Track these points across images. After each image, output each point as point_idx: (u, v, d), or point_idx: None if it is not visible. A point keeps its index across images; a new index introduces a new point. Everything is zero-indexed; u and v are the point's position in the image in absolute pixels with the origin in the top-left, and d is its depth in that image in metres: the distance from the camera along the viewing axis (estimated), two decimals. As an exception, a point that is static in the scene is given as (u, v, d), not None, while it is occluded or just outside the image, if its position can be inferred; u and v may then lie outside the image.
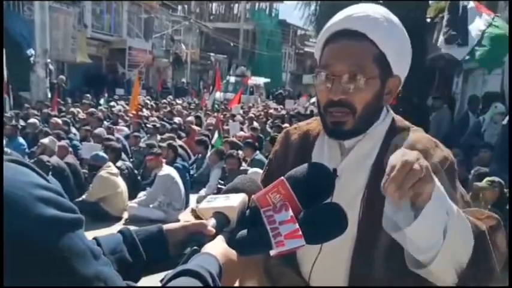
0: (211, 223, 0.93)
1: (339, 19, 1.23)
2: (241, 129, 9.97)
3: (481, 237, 1.06)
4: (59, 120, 8.68)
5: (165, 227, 0.98)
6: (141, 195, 6.27)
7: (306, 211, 0.92)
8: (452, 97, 11.55)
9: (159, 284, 0.80)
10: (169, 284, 0.78)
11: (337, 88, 1.18)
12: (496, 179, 4.70)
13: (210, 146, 7.81)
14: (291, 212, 0.91)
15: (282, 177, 0.95)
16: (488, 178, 4.75)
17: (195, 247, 0.89)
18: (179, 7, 33.74)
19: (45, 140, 6.33)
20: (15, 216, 0.63)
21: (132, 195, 6.32)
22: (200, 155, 7.82)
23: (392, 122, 1.29)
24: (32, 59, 13.31)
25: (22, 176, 0.67)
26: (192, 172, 7.34)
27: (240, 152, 6.86)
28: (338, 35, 1.22)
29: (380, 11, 1.22)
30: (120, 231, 0.97)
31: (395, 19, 1.24)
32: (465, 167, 5.91)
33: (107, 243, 0.93)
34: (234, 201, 0.94)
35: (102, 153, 6.55)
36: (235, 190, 0.99)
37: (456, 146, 6.38)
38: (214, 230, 0.92)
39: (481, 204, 4.68)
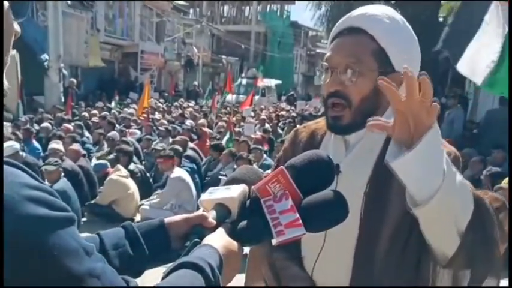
0: (211, 215, 0.94)
1: (343, 19, 1.30)
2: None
3: (479, 204, 1.07)
4: (70, 126, 8.78)
5: (167, 220, 0.99)
6: (154, 197, 6.32)
7: (306, 199, 0.93)
8: (466, 96, 11.45)
9: (163, 275, 0.82)
10: (169, 277, 0.79)
11: (334, 80, 1.23)
12: None
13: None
14: (290, 201, 0.91)
15: (282, 167, 0.95)
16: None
17: (196, 239, 0.90)
18: (191, 10, 33.94)
19: (54, 145, 6.43)
20: (4, 216, 0.63)
21: (144, 198, 6.37)
22: (214, 158, 7.82)
23: None
24: (45, 64, 13.47)
25: (11, 177, 0.67)
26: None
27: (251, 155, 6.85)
28: (341, 33, 1.28)
29: (383, 9, 1.27)
30: (122, 226, 0.98)
31: (399, 18, 1.27)
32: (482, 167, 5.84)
33: (109, 238, 0.94)
34: (234, 192, 0.95)
35: (102, 161, 6.71)
36: (236, 181, 1.00)
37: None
38: (214, 222, 0.92)
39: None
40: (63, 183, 5.42)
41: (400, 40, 1.23)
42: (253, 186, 0.96)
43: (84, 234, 0.92)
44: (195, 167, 6.94)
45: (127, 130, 9.40)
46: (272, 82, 26.59)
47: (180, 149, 6.55)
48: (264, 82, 24.28)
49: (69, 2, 14.96)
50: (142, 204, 6.14)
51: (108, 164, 6.70)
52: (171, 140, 8.39)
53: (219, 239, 0.88)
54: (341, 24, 1.28)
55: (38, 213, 0.66)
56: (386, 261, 1.22)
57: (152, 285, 0.78)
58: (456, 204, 1.02)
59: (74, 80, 15.44)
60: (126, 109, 13.47)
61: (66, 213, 0.72)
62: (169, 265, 0.82)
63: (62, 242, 0.68)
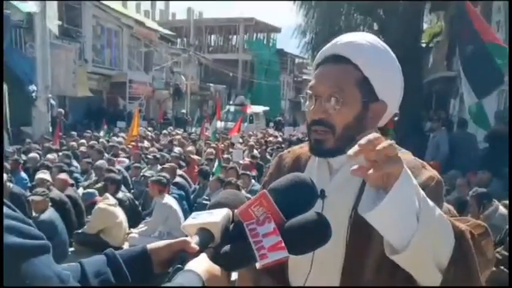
0: (194, 240, 0.93)
1: (328, 46, 1.31)
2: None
3: (460, 237, 1.07)
4: (52, 156, 8.72)
5: (149, 246, 0.98)
6: (142, 225, 6.27)
7: (288, 222, 0.93)
8: (450, 119, 11.63)
9: None
10: None
11: (318, 108, 1.25)
12: None
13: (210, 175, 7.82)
14: (273, 224, 0.91)
15: (264, 190, 0.96)
16: None
17: (178, 265, 0.89)
18: (178, 40, 34.26)
19: (41, 175, 6.38)
20: None
21: (133, 226, 6.31)
22: (202, 185, 7.83)
23: None
24: (33, 94, 13.46)
25: None
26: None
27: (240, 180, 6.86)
28: (325, 60, 1.29)
29: (368, 38, 1.28)
30: (104, 253, 0.97)
31: (383, 46, 1.29)
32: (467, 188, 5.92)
33: (91, 266, 0.93)
34: (217, 216, 0.95)
35: (90, 190, 6.69)
36: (219, 205, 1.00)
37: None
38: (197, 247, 0.92)
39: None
40: (51, 213, 5.37)
41: (383, 69, 1.25)
42: (236, 210, 0.96)
43: (66, 264, 0.92)
44: (183, 193, 6.92)
45: (115, 159, 9.36)
46: (260, 109, 26.76)
47: (168, 176, 6.54)
48: (252, 109, 24.45)
49: (57, 33, 15.03)
50: (130, 233, 6.08)
51: (97, 192, 6.66)
52: (159, 167, 8.37)
53: (201, 264, 0.88)
54: (326, 51, 1.30)
55: (10, 241, 0.67)
56: (373, 284, 1.22)
57: None
58: (435, 243, 1.03)
59: (62, 110, 15.41)
60: (114, 138, 13.43)
61: (40, 241, 0.72)
62: None
63: (35, 270, 0.68)
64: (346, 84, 1.23)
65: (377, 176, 0.95)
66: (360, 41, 1.26)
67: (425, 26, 16.73)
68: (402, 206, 0.98)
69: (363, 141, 0.92)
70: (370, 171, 0.94)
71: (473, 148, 8.55)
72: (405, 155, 1.28)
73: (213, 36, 39.45)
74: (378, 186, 0.99)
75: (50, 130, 13.42)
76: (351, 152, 0.93)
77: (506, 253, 4.40)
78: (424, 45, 16.63)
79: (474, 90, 6.89)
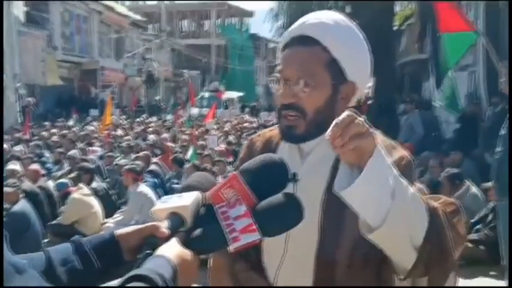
0: (164, 225, 0.91)
1: (295, 26, 1.27)
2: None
3: (433, 215, 1.08)
4: (19, 148, 8.57)
5: (118, 232, 0.95)
6: (117, 215, 6.21)
7: (260, 204, 0.92)
8: (423, 101, 11.82)
9: None
10: None
11: (288, 92, 1.23)
12: None
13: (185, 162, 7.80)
14: (244, 207, 0.90)
15: (235, 172, 0.95)
16: None
17: (148, 251, 0.87)
18: (150, 26, 33.72)
19: (11, 166, 6.25)
20: None
21: (109, 215, 6.24)
22: (177, 172, 7.80)
23: None
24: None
25: None
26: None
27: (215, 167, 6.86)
28: (293, 41, 1.26)
29: (335, 17, 1.26)
30: (71, 241, 0.94)
31: (351, 26, 1.26)
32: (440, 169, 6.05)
33: (57, 254, 0.91)
34: (187, 200, 0.93)
35: (64, 180, 6.61)
36: (189, 188, 0.98)
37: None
38: (167, 232, 0.89)
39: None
40: (23, 205, 5.25)
41: (351, 49, 1.23)
42: (206, 193, 0.95)
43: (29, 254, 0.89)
44: (156, 181, 6.87)
45: (88, 148, 9.23)
46: (234, 94, 26.67)
47: (142, 164, 6.47)
48: (226, 95, 24.37)
49: (23, 20, 14.61)
50: (106, 223, 6.02)
51: (69, 182, 6.55)
52: (133, 156, 8.29)
53: (172, 249, 0.86)
54: (293, 31, 1.27)
55: None
56: (348, 268, 1.22)
57: None
58: (409, 220, 1.03)
59: (31, 99, 15.09)
60: (87, 127, 13.22)
61: None
62: (121, 279, 0.80)
63: None
64: (314, 67, 1.21)
65: (350, 151, 0.95)
66: (328, 21, 1.23)
67: (397, 8, 16.85)
68: (377, 183, 0.98)
69: (335, 122, 0.93)
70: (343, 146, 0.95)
71: (436, 129, 8.83)
72: (375, 135, 1.29)
73: (185, 22, 38.97)
74: (351, 163, 0.98)
75: (20, 120, 13.13)
76: (327, 135, 0.93)
77: (492, 234, 4.53)
78: (396, 28, 16.77)
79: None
